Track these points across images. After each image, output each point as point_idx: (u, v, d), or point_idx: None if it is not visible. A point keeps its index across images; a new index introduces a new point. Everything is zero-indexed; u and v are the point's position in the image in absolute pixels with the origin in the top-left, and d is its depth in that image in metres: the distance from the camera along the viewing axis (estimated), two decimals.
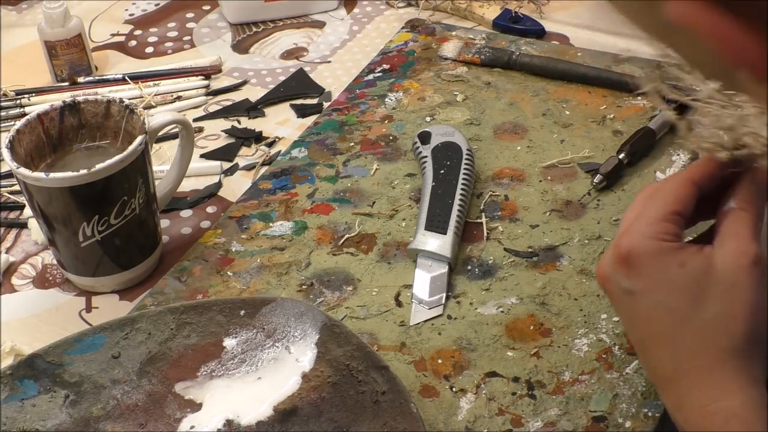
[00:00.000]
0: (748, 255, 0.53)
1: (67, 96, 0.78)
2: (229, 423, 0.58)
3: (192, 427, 0.58)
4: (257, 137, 0.84)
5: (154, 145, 0.77)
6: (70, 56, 0.89)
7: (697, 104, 0.55)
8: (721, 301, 0.52)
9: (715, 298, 0.52)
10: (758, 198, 0.56)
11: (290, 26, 1.00)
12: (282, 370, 0.59)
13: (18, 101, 0.88)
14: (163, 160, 0.82)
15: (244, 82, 0.91)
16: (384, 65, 0.90)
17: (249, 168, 0.81)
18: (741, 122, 0.54)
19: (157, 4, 1.04)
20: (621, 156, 0.75)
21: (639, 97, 0.83)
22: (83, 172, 0.62)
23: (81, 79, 0.90)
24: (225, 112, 0.88)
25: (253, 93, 0.90)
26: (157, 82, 0.90)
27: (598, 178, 0.74)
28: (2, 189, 0.78)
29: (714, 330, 0.52)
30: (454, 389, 0.60)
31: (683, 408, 0.52)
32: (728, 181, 0.56)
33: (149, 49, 0.97)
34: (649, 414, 0.57)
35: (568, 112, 0.82)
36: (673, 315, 0.53)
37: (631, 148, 0.75)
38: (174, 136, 0.83)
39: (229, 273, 0.69)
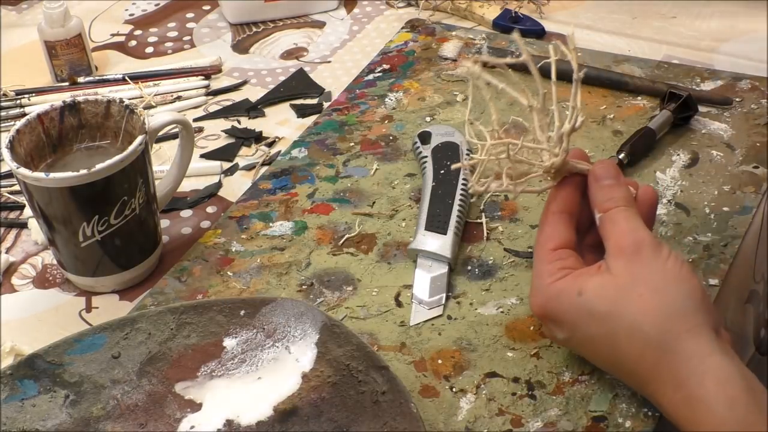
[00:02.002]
0: (626, 246, 0.55)
1: (67, 96, 0.78)
2: (229, 423, 0.58)
3: (192, 427, 0.58)
4: (257, 137, 0.84)
5: (154, 145, 0.77)
6: (70, 56, 0.89)
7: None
8: (633, 294, 0.54)
9: (626, 299, 0.54)
10: (609, 191, 0.58)
11: (290, 26, 1.00)
12: (282, 370, 0.59)
13: (18, 101, 0.88)
14: (163, 160, 0.82)
15: (244, 82, 0.92)
16: (384, 65, 0.90)
17: (249, 168, 0.81)
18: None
19: (157, 4, 1.04)
20: (621, 156, 0.75)
21: (639, 97, 0.83)
22: (83, 172, 0.62)
23: (81, 79, 0.90)
24: (225, 112, 0.88)
25: (253, 93, 0.90)
26: (157, 82, 0.90)
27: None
28: (2, 189, 0.78)
29: (645, 321, 0.53)
30: (454, 389, 0.60)
31: (667, 398, 0.53)
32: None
33: (149, 49, 0.97)
34: (649, 413, 0.57)
35: (568, 113, 0.82)
36: (604, 340, 0.55)
37: (631, 149, 0.75)
38: (174, 136, 0.83)
39: (229, 273, 0.69)
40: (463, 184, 0.72)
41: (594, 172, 0.59)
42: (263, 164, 0.81)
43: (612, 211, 0.57)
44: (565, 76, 0.86)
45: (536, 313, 0.58)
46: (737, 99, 0.82)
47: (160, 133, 0.74)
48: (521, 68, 0.86)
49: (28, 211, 0.75)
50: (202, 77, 0.91)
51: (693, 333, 0.52)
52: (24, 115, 0.85)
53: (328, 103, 0.87)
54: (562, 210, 0.59)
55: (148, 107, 0.88)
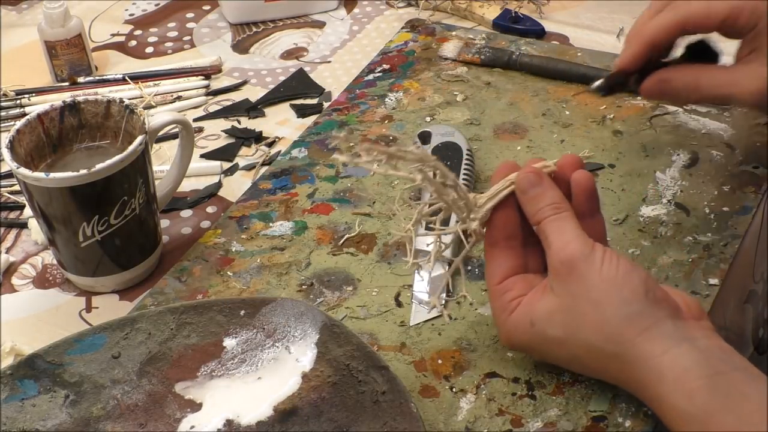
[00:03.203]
0: (559, 267, 0.55)
1: (67, 96, 0.78)
2: (229, 423, 0.58)
3: (192, 427, 0.58)
4: (257, 137, 0.84)
5: (154, 145, 0.77)
6: (70, 56, 0.89)
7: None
8: (578, 313, 0.54)
9: (574, 321, 0.55)
10: (535, 202, 0.57)
11: (290, 26, 1.00)
12: (282, 370, 0.59)
13: (18, 101, 0.88)
14: (163, 160, 0.82)
15: (244, 82, 0.92)
16: (384, 65, 0.90)
17: (249, 168, 0.81)
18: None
19: (157, 4, 1.04)
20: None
21: (639, 97, 0.83)
22: (83, 172, 0.62)
23: (81, 79, 0.90)
24: (225, 112, 0.88)
25: (253, 93, 0.90)
26: (157, 82, 0.90)
27: (597, 84, 0.71)
28: (2, 189, 0.78)
29: (597, 338, 0.54)
30: (454, 389, 0.60)
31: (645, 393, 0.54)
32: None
33: (149, 49, 0.97)
34: (649, 413, 0.57)
35: (568, 112, 0.82)
36: (569, 359, 0.57)
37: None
38: (174, 136, 0.83)
39: (229, 273, 0.69)
40: (463, 184, 0.71)
41: (518, 185, 0.58)
42: (263, 164, 0.81)
43: (543, 224, 0.57)
44: (563, 75, 0.87)
45: (508, 347, 0.60)
46: None
47: (160, 133, 0.74)
48: (521, 68, 0.87)
49: (28, 211, 0.75)
50: (202, 77, 0.91)
51: (645, 335, 0.52)
52: (24, 115, 0.85)
53: (328, 103, 0.87)
54: (495, 242, 0.59)
55: (148, 107, 0.88)
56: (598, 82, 0.70)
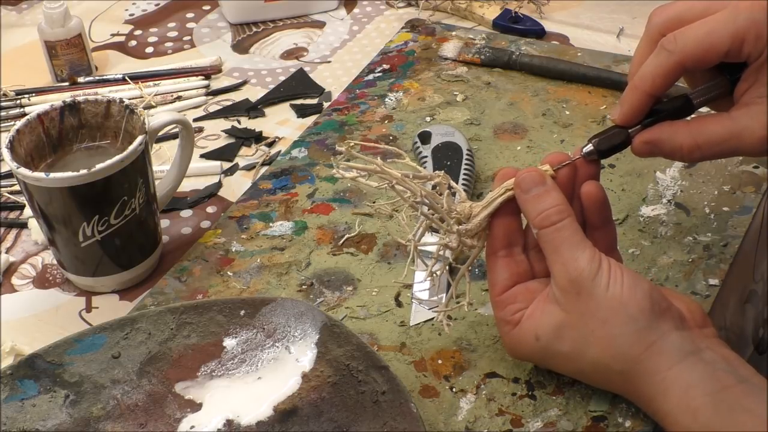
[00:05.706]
0: (567, 286, 0.54)
1: (67, 96, 0.78)
2: (229, 423, 0.58)
3: (192, 427, 0.58)
4: (257, 137, 0.84)
5: (154, 145, 0.77)
6: (70, 56, 0.89)
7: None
8: (585, 331, 0.54)
9: (582, 337, 0.54)
10: (537, 203, 0.56)
11: (290, 26, 1.00)
12: (282, 370, 0.59)
13: (18, 101, 0.88)
14: (163, 160, 0.82)
15: (244, 82, 0.92)
16: (384, 65, 0.90)
17: (249, 168, 0.81)
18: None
19: (157, 4, 1.04)
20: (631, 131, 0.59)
21: None
22: (83, 172, 0.62)
23: (81, 79, 0.90)
24: (225, 112, 0.88)
25: (253, 93, 0.90)
26: (157, 82, 0.90)
27: (587, 148, 0.58)
28: (2, 189, 0.78)
29: (604, 356, 0.54)
30: (454, 389, 0.60)
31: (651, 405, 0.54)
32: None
33: (149, 49, 0.97)
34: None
35: (568, 112, 0.82)
36: (574, 372, 0.57)
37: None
38: (174, 136, 0.83)
39: (229, 273, 0.69)
40: (464, 184, 0.72)
41: (518, 184, 0.56)
42: (263, 164, 0.81)
43: (546, 232, 0.55)
44: (563, 75, 0.87)
45: (512, 357, 0.60)
46: None
47: (160, 133, 0.74)
48: (521, 68, 0.87)
49: (28, 211, 0.75)
50: (202, 77, 0.91)
51: (651, 350, 0.52)
52: (24, 115, 0.85)
53: (328, 103, 0.87)
54: (494, 252, 0.58)
55: (148, 107, 0.88)
56: (589, 146, 0.58)
